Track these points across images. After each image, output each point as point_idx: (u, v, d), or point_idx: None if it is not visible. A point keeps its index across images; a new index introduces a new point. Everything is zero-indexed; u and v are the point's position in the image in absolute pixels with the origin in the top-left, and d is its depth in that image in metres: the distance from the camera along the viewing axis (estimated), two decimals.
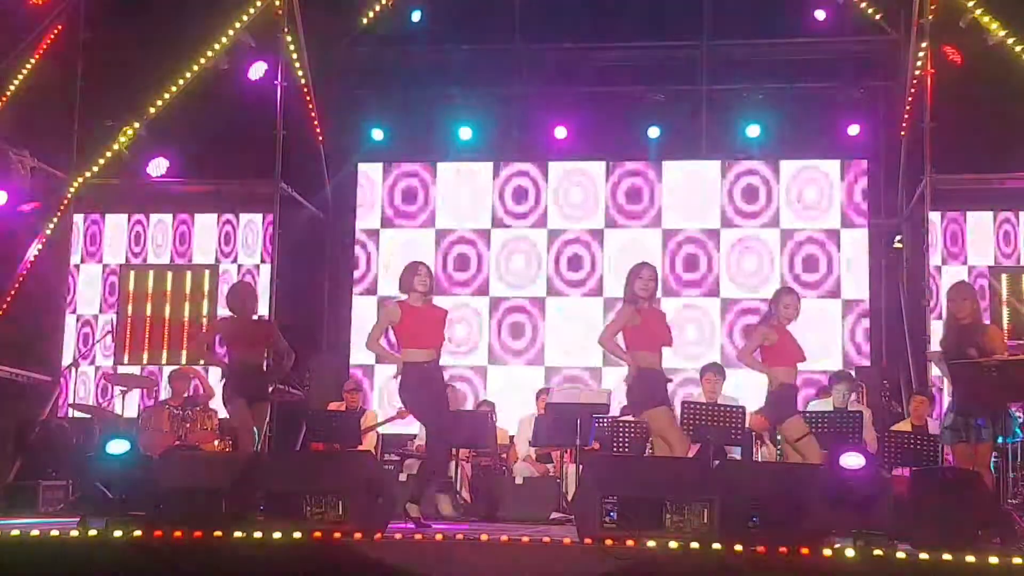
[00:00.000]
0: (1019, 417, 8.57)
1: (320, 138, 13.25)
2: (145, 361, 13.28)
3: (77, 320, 13.40)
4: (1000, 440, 7.87)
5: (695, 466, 7.51)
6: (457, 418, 9.59)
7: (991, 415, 7.54)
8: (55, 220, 12.78)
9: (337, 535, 6.18)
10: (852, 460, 6.13)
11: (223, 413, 11.29)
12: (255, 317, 9.14)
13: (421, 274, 8.10)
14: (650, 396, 7.72)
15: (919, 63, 11.65)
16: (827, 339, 12.40)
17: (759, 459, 9.55)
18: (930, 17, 11.43)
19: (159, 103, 12.50)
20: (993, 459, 8.42)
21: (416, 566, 5.68)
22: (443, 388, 8.29)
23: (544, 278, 13.16)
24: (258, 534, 6.10)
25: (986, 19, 11.29)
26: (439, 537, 6.01)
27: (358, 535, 6.16)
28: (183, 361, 12.91)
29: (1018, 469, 8.59)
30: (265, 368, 9.09)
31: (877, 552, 5.64)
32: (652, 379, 7.74)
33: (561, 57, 13.61)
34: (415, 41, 13.41)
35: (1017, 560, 5.59)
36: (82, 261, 13.51)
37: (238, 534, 6.08)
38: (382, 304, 8.68)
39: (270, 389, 9.21)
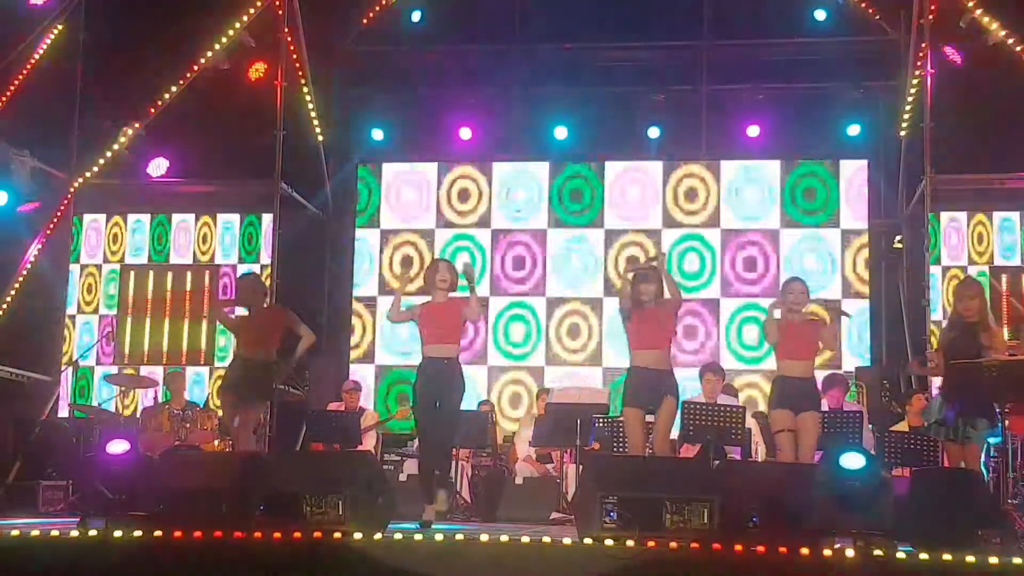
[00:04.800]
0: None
1: (320, 138, 13.25)
2: (145, 361, 13.27)
3: (76, 320, 13.41)
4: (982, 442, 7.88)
5: (695, 466, 7.52)
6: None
7: (989, 415, 7.54)
8: (55, 220, 12.77)
9: (337, 535, 6.18)
10: (852, 460, 6.12)
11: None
12: (265, 306, 8.97)
13: (440, 271, 8.15)
14: (624, 396, 8.01)
15: (919, 63, 11.65)
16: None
17: (759, 459, 9.54)
18: (930, 17, 11.42)
19: (159, 103, 12.50)
20: (993, 459, 8.43)
21: (416, 566, 5.67)
22: (454, 390, 8.04)
23: (542, 278, 13.16)
24: (258, 534, 6.10)
25: (986, 19, 11.28)
26: (439, 537, 6.01)
27: (358, 535, 6.16)
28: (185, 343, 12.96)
29: (1018, 469, 8.58)
30: (272, 364, 8.72)
31: (877, 552, 5.64)
32: (629, 378, 7.98)
33: (561, 57, 13.59)
34: (415, 41, 13.41)
35: (1017, 560, 5.59)
36: (81, 261, 13.51)
37: (238, 534, 6.08)
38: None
39: (277, 384, 9.05)
